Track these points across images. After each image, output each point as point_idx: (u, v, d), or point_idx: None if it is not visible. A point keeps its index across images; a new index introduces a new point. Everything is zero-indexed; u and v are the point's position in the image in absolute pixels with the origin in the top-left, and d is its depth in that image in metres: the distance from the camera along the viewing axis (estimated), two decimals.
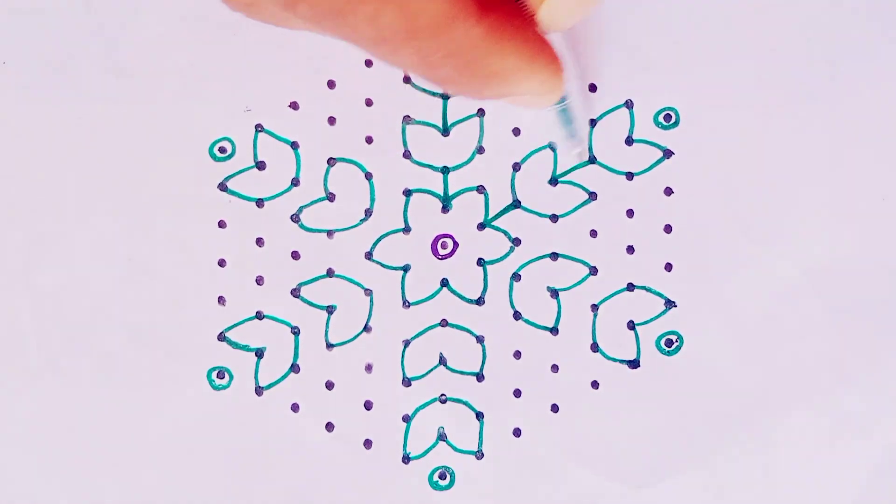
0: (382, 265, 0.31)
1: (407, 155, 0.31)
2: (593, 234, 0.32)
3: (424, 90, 0.31)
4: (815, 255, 0.31)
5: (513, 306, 0.32)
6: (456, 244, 0.32)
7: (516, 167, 0.32)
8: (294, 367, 0.31)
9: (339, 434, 0.31)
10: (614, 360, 0.32)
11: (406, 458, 0.31)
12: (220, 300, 0.31)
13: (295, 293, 0.31)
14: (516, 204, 0.32)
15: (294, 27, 0.24)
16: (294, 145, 0.31)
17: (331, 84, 0.31)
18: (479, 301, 0.32)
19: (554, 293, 0.32)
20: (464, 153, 0.32)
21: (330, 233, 0.31)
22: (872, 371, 0.31)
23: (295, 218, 0.31)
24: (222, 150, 0.31)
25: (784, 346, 0.31)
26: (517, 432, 0.31)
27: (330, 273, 0.31)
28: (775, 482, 0.31)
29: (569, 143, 0.31)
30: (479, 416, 0.31)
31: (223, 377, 0.31)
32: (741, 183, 0.32)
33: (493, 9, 0.22)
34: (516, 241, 0.32)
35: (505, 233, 0.32)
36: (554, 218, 0.32)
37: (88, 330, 0.31)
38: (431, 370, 0.31)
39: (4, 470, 0.31)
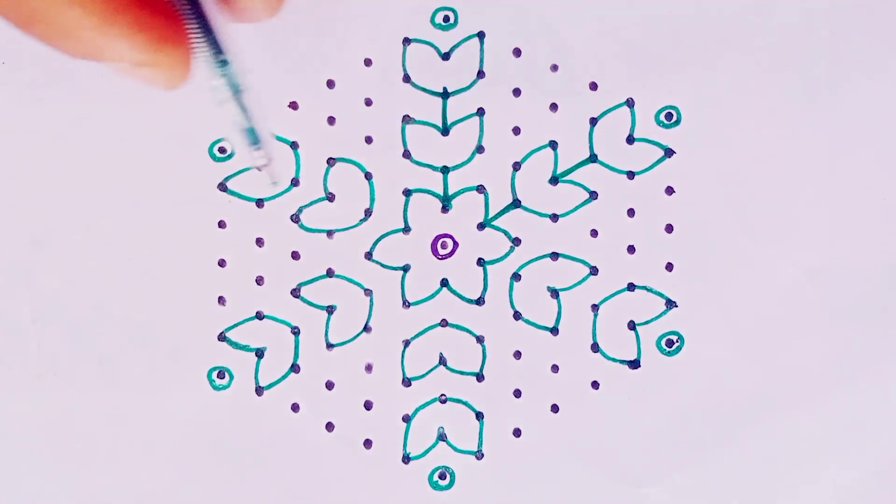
0: (382, 265, 0.31)
1: (407, 155, 0.31)
2: (594, 233, 0.32)
3: (424, 90, 0.31)
4: (815, 255, 0.31)
5: (513, 306, 0.32)
6: (456, 244, 0.32)
7: (516, 166, 0.32)
8: (294, 367, 0.31)
9: (340, 434, 0.31)
10: (615, 360, 0.32)
11: (406, 458, 0.31)
12: (221, 300, 0.31)
13: (295, 293, 0.31)
14: (516, 203, 0.32)
15: None
16: (294, 145, 0.31)
17: (331, 84, 0.31)
18: (479, 301, 0.32)
19: (554, 293, 0.32)
20: (464, 153, 0.32)
21: (330, 233, 0.31)
22: (872, 371, 0.31)
23: (295, 218, 0.31)
24: (222, 150, 0.31)
25: (784, 346, 0.31)
26: (517, 432, 0.31)
27: (330, 273, 0.31)
28: (775, 481, 0.31)
29: (247, 145, 0.27)
30: (479, 416, 0.31)
31: (223, 377, 0.31)
32: (742, 182, 0.31)
33: None
34: (516, 241, 0.32)
35: (505, 233, 0.32)
36: (554, 217, 0.32)
37: (88, 330, 0.31)
38: (431, 370, 0.31)
39: (4, 470, 0.31)
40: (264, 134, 0.27)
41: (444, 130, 0.31)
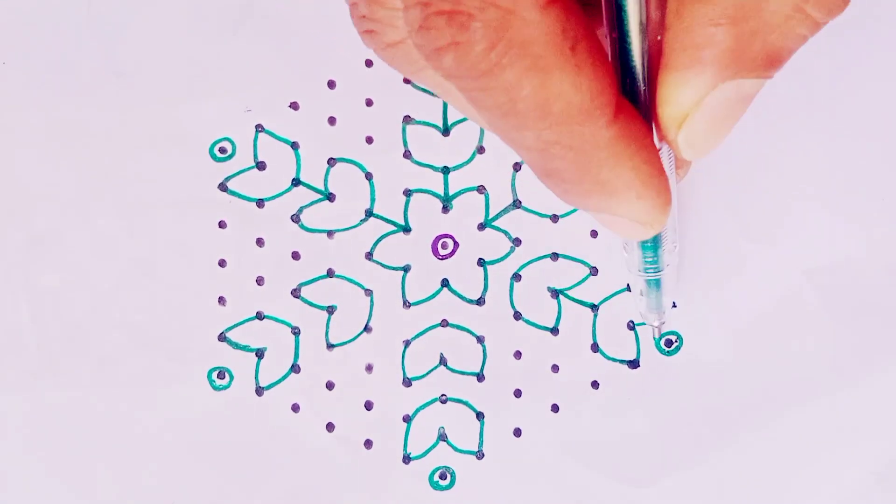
0: (383, 265, 0.31)
1: (407, 155, 0.31)
2: (593, 234, 0.32)
3: (424, 90, 0.31)
4: (815, 255, 0.31)
5: (513, 306, 0.32)
6: (456, 244, 0.32)
7: (517, 167, 0.32)
8: (294, 368, 0.31)
9: (340, 434, 0.31)
10: (614, 360, 0.32)
11: (406, 459, 0.31)
12: (221, 300, 0.31)
13: (295, 293, 0.31)
14: (517, 204, 0.32)
15: (423, 80, 0.24)
16: (294, 145, 0.31)
17: (331, 84, 0.31)
18: (480, 301, 0.32)
19: (554, 293, 0.32)
20: (464, 153, 0.32)
21: (330, 233, 0.31)
22: (872, 371, 0.31)
23: (295, 218, 0.31)
24: (222, 150, 0.31)
25: (783, 345, 0.31)
26: (517, 432, 0.31)
27: (330, 273, 0.31)
28: (775, 482, 0.31)
29: (649, 311, 0.30)
30: (480, 416, 0.31)
31: (224, 377, 0.31)
32: (742, 183, 0.31)
33: (625, 113, 0.20)
34: (517, 241, 0.32)
35: (505, 233, 0.32)
36: (554, 218, 0.32)
37: (88, 330, 0.31)
38: (432, 370, 0.31)
39: (4, 470, 0.31)
40: (667, 302, 0.30)
41: (445, 131, 0.32)
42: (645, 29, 0.20)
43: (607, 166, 0.20)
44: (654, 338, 0.31)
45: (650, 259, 0.27)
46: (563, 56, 0.19)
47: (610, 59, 0.21)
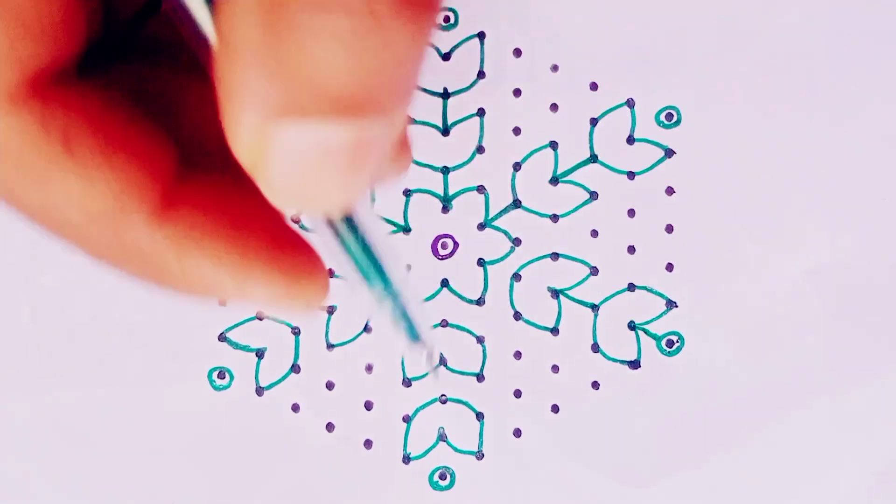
0: None
1: None
2: (594, 234, 0.32)
3: (425, 90, 0.31)
4: (815, 255, 0.31)
5: (513, 306, 0.32)
6: (456, 244, 0.32)
7: (517, 167, 0.32)
8: (294, 368, 0.31)
9: (340, 434, 0.31)
10: (615, 360, 0.32)
11: (406, 459, 0.31)
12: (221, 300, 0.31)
13: None
14: (516, 204, 0.32)
15: None
16: None
17: None
18: (480, 301, 0.32)
19: (554, 293, 0.32)
20: (464, 153, 0.32)
21: None
22: (872, 371, 0.31)
23: (295, 218, 0.31)
24: None
25: (784, 346, 0.31)
26: (517, 432, 0.31)
27: (330, 273, 0.31)
28: (775, 482, 0.31)
29: (412, 346, 0.28)
30: (480, 416, 0.31)
31: (224, 377, 0.31)
32: (742, 183, 0.31)
33: (191, 200, 0.17)
34: (516, 241, 0.32)
35: (505, 233, 0.32)
36: (554, 218, 0.32)
37: (89, 330, 0.31)
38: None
39: (4, 470, 0.31)
40: (424, 328, 0.26)
41: (445, 131, 0.31)
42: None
43: (176, 262, 0.17)
44: (427, 372, 0.30)
45: (383, 293, 0.22)
46: (53, 157, 0.16)
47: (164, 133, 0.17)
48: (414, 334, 0.24)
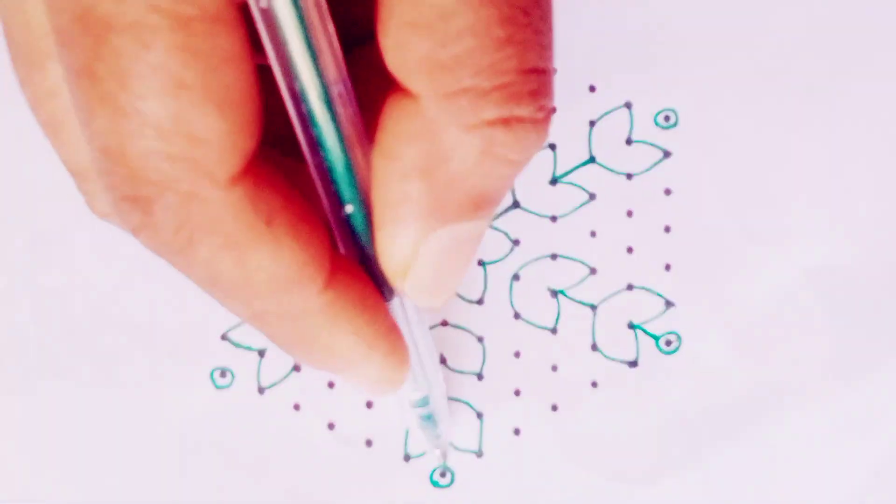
0: None
1: None
2: (593, 234, 0.32)
3: None
4: (815, 255, 0.32)
5: (513, 306, 0.32)
6: None
7: None
8: (296, 367, 0.31)
9: (341, 433, 0.31)
10: (614, 359, 0.32)
11: (407, 458, 0.31)
12: None
13: None
14: (516, 204, 0.32)
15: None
16: None
17: None
18: (480, 301, 0.32)
19: (554, 293, 0.32)
20: None
21: None
22: (872, 371, 0.31)
23: None
24: None
25: (784, 346, 0.32)
26: (517, 432, 0.32)
27: None
28: (775, 482, 0.32)
29: (430, 442, 0.30)
30: (480, 415, 0.32)
31: (226, 376, 0.31)
32: (741, 183, 0.32)
33: (342, 276, 0.20)
34: (516, 242, 0.32)
35: (504, 233, 0.32)
36: (553, 218, 0.32)
37: (89, 330, 0.31)
38: None
39: (5, 470, 0.31)
40: (444, 432, 0.29)
41: None
42: (357, 187, 0.19)
43: (325, 333, 0.20)
44: (439, 464, 0.31)
45: (422, 396, 0.27)
46: (257, 231, 0.18)
47: (324, 221, 0.20)
48: (437, 434, 0.29)
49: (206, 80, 0.16)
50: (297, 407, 0.31)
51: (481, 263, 0.32)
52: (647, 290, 0.32)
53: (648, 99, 0.32)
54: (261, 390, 0.31)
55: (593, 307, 0.32)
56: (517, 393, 0.32)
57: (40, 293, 0.31)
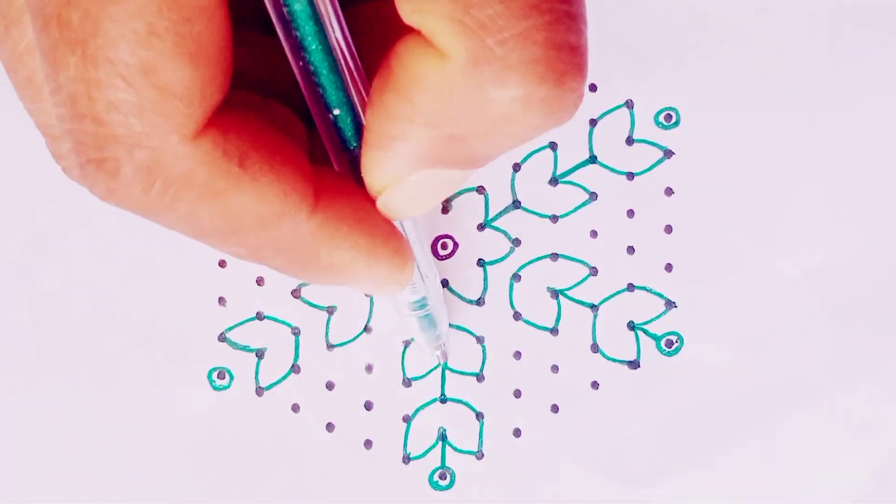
0: None
1: None
2: (593, 234, 0.32)
3: None
4: (815, 255, 0.31)
5: (513, 307, 0.32)
6: (456, 245, 0.32)
7: (516, 167, 0.32)
8: (294, 368, 0.31)
9: (340, 434, 0.31)
10: (614, 360, 0.32)
11: (406, 459, 0.31)
12: (221, 301, 0.31)
13: (295, 294, 0.31)
14: (516, 204, 0.32)
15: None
16: None
17: None
18: (480, 301, 0.32)
19: (554, 293, 0.32)
20: None
21: None
22: (872, 371, 0.31)
23: None
24: None
25: (784, 346, 0.31)
26: (517, 432, 0.31)
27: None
28: (775, 482, 0.31)
29: (430, 344, 0.31)
30: (480, 416, 0.31)
31: (224, 377, 0.31)
32: (741, 183, 0.32)
33: (329, 196, 0.20)
34: (516, 242, 0.32)
35: (505, 233, 0.32)
36: (554, 218, 0.32)
37: (88, 330, 0.31)
38: (432, 370, 0.31)
39: (5, 469, 0.31)
40: (443, 331, 0.30)
41: None
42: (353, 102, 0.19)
43: (325, 253, 0.20)
44: (442, 364, 0.31)
45: (419, 298, 0.27)
46: (233, 176, 0.18)
47: (303, 145, 0.20)
48: (437, 336, 0.29)
49: (179, 29, 0.16)
50: (295, 408, 0.31)
51: (481, 263, 0.32)
52: (648, 290, 0.32)
53: (649, 98, 0.32)
54: (259, 391, 0.31)
55: (594, 307, 0.32)
56: (517, 394, 0.32)
57: (39, 293, 0.31)
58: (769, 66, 0.31)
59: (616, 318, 0.32)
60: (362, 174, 0.19)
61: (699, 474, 0.31)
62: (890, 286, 0.31)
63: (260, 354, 0.31)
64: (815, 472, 0.31)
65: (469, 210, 0.32)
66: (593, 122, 0.32)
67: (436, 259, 0.32)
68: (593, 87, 0.32)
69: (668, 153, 0.32)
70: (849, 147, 0.31)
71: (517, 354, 0.32)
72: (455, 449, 0.31)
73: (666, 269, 0.32)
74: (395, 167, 0.19)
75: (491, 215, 0.32)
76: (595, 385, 0.32)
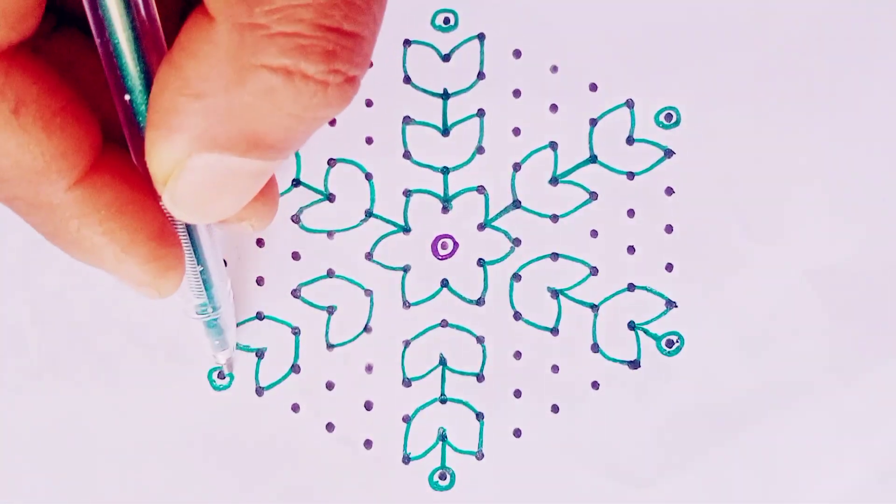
0: (382, 265, 0.31)
1: (407, 155, 0.31)
2: (594, 234, 0.32)
3: (424, 90, 0.31)
4: (815, 255, 0.31)
5: (513, 307, 0.32)
6: (456, 244, 0.32)
7: (516, 167, 0.32)
8: (294, 368, 0.31)
9: (340, 434, 0.31)
10: (615, 360, 0.32)
11: (406, 459, 0.31)
12: None
13: (295, 294, 0.31)
14: (516, 204, 0.32)
15: None
16: None
17: None
18: (480, 301, 0.32)
19: (554, 293, 0.32)
20: (464, 153, 0.32)
21: (330, 233, 0.31)
22: (872, 371, 0.31)
23: (295, 218, 0.31)
24: None
25: (784, 346, 0.31)
26: (517, 433, 0.31)
27: (330, 273, 0.31)
28: (775, 482, 0.31)
29: (215, 351, 0.30)
30: (480, 416, 0.31)
31: (224, 377, 0.31)
32: (742, 183, 0.32)
33: (105, 176, 0.20)
34: (516, 242, 0.32)
35: (505, 233, 0.32)
36: (554, 218, 0.32)
37: (88, 330, 0.31)
38: (431, 370, 0.31)
39: (5, 470, 0.31)
40: (229, 340, 0.29)
41: (445, 131, 0.32)
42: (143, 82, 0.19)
43: (73, 229, 0.20)
44: (226, 374, 0.31)
45: (204, 303, 0.27)
46: (1, 117, 0.18)
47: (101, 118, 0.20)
48: (223, 343, 0.29)
49: None
50: (295, 408, 0.31)
51: (481, 263, 0.32)
52: (649, 290, 0.32)
53: (650, 98, 0.32)
54: (259, 391, 0.31)
55: (594, 307, 0.32)
56: (517, 394, 0.32)
57: (40, 293, 0.31)
58: (770, 65, 0.31)
59: (616, 318, 0.32)
60: (147, 161, 0.19)
61: (699, 474, 0.31)
62: (889, 286, 0.31)
63: (260, 354, 0.31)
64: (816, 472, 0.31)
65: (469, 210, 0.32)
66: (593, 122, 0.32)
67: (436, 259, 0.32)
68: (593, 87, 0.32)
69: (669, 153, 0.32)
70: (849, 147, 0.31)
71: (517, 354, 0.32)
72: (455, 449, 0.31)
73: (666, 268, 0.32)
74: (173, 148, 0.18)
75: (491, 215, 0.32)
76: (595, 385, 0.32)
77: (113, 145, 0.21)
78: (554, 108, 0.31)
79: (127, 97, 0.19)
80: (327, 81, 0.17)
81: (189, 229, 0.23)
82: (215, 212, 0.20)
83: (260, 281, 0.31)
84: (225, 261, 0.31)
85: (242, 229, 0.24)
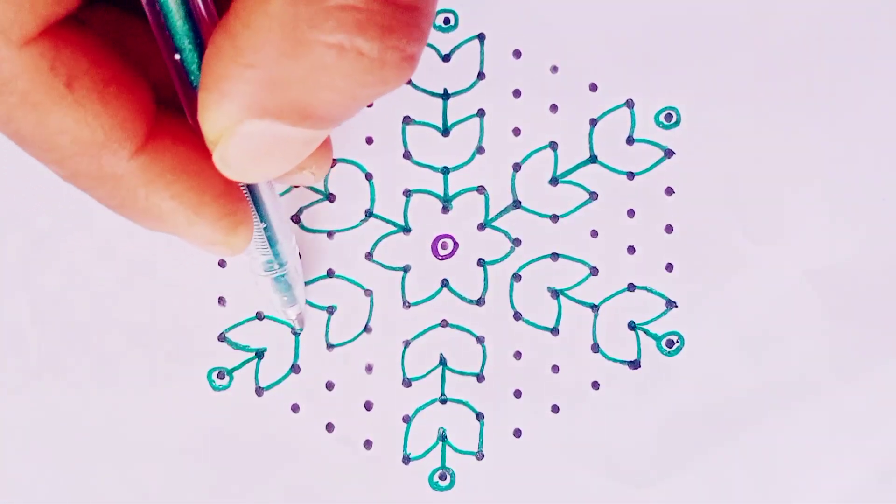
0: (382, 265, 0.31)
1: (407, 155, 0.31)
2: (594, 234, 0.32)
3: (424, 90, 0.31)
4: (815, 255, 0.31)
5: (513, 307, 0.32)
6: (456, 244, 0.32)
7: (516, 167, 0.32)
8: (294, 368, 0.31)
9: (340, 434, 0.31)
10: (615, 360, 0.32)
11: (406, 459, 0.31)
12: (221, 300, 0.31)
13: None
14: (516, 204, 0.32)
15: None
16: None
17: None
18: (480, 301, 0.32)
19: (554, 293, 0.32)
20: (464, 153, 0.32)
21: (330, 233, 0.31)
22: (872, 371, 0.31)
23: (295, 218, 0.31)
24: None
25: (784, 346, 0.31)
26: (517, 433, 0.31)
27: (330, 273, 0.31)
28: (775, 482, 0.31)
29: (285, 308, 0.30)
30: (480, 416, 0.31)
31: (224, 378, 0.31)
32: (742, 183, 0.32)
33: (165, 141, 0.20)
34: (516, 242, 0.32)
35: (505, 233, 0.32)
36: (554, 218, 0.32)
37: (88, 330, 0.31)
38: (431, 370, 0.31)
39: (4, 470, 0.31)
40: (299, 296, 0.29)
41: (445, 131, 0.32)
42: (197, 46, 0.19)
43: (141, 197, 0.20)
44: (296, 330, 0.31)
45: (270, 259, 0.27)
46: (57, 93, 0.18)
47: (151, 84, 0.20)
48: (292, 299, 0.29)
49: None
50: (295, 408, 0.31)
51: (481, 263, 0.32)
52: (649, 290, 0.32)
53: (650, 98, 0.32)
54: (259, 391, 0.31)
55: (594, 307, 0.32)
56: (518, 394, 0.32)
57: (40, 293, 0.31)
58: (770, 65, 0.31)
59: (616, 318, 0.32)
60: (199, 121, 0.19)
61: (699, 474, 0.31)
62: (889, 286, 0.31)
63: (260, 354, 0.31)
64: (816, 472, 0.31)
65: (469, 210, 0.32)
66: (593, 122, 0.32)
67: (436, 259, 0.32)
68: (593, 87, 0.32)
69: (669, 153, 0.32)
70: (849, 147, 0.31)
71: (517, 354, 0.32)
72: (455, 449, 0.31)
73: (666, 268, 0.32)
74: (223, 113, 0.18)
75: (491, 215, 0.32)
76: (595, 385, 0.32)
77: (167, 110, 0.21)
78: (554, 108, 0.31)
79: (177, 56, 0.19)
80: (384, 59, 0.17)
81: (250, 187, 0.23)
82: (264, 174, 0.20)
83: None
84: (224, 261, 0.31)
85: (304, 178, 0.25)
